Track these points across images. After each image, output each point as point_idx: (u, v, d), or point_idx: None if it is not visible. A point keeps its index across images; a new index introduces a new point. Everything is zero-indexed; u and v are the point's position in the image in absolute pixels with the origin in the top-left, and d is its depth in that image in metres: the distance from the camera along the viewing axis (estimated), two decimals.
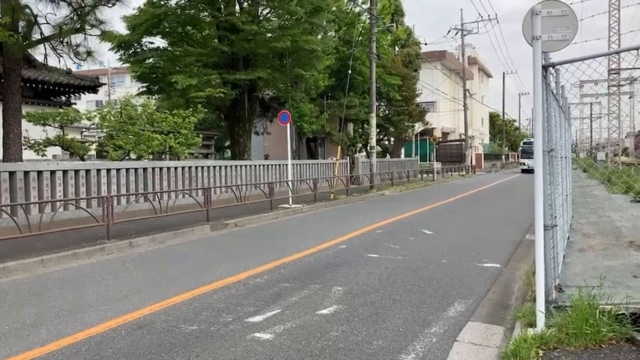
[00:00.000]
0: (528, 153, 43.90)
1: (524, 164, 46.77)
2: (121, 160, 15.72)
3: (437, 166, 38.66)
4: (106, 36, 13.19)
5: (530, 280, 6.27)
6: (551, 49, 4.98)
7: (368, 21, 27.40)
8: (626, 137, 42.94)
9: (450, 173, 41.30)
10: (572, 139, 31.09)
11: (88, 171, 13.21)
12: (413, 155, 43.80)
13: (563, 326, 4.43)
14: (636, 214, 11.94)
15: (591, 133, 50.92)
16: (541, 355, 4.10)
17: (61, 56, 13.05)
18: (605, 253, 7.66)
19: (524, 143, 48.83)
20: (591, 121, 47.05)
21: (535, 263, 4.82)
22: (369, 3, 26.87)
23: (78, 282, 7.32)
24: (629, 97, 36.11)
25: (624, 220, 10.87)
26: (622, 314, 4.52)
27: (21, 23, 12.08)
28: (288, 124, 18.21)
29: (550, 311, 4.74)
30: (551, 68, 5.22)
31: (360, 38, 27.91)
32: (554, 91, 6.20)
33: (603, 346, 4.24)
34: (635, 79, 30.31)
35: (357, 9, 29.60)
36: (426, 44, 38.85)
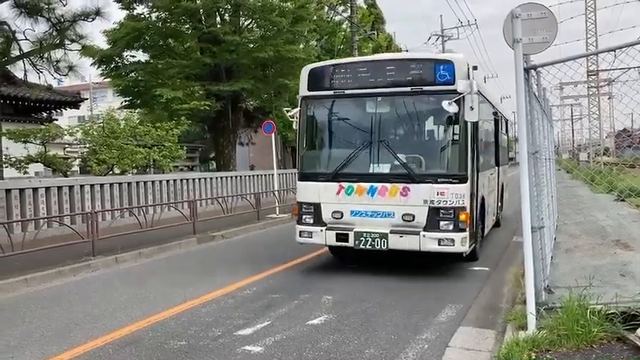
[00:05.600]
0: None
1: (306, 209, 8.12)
2: (105, 174, 15.54)
3: None
4: (86, 51, 13.07)
5: (519, 283, 6.26)
6: (532, 52, 5.01)
7: (349, 29, 27.50)
8: (607, 137, 43.49)
9: None
10: (555, 141, 28.81)
11: (71, 187, 13.03)
12: None
13: (554, 328, 4.43)
14: (621, 212, 12.05)
15: (573, 134, 51.44)
16: (533, 357, 4.08)
17: (41, 72, 12.88)
18: (592, 253, 7.70)
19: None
20: (572, 123, 47.50)
21: (524, 265, 4.83)
22: (349, 12, 27.00)
23: (63, 300, 7.18)
24: (609, 98, 36.61)
25: (609, 219, 10.96)
26: (612, 313, 4.52)
27: None
28: (273, 134, 18.15)
29: (541, 313, 4.74)
30: (532, 70, 5.26)
31: (342, 46, 27.99)
32: (536, 94, 6.24)
33: (595, 346, 4.24)
34: (614, 80, 30.73)
35: (338, 18, 29.72)
36: (407, 51, 39.11)
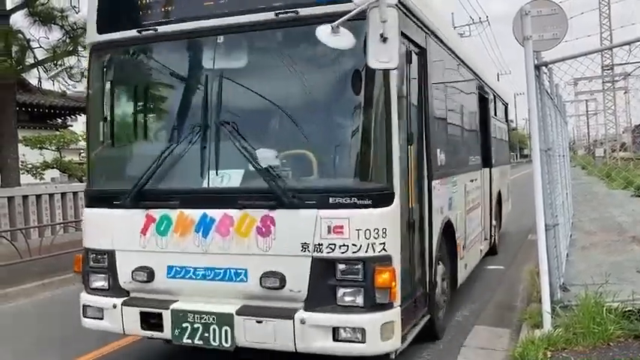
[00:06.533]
0: None
1: None
2: None
3: None
4: None
5: (534, 281, 6.20)
6: (542, 49, 4.98)
7: None
8: (623, 132, 42.96)
9: None
10: (570, 137, 28.22)
11: None
12: None
13: (570, 326, 4.39)
14: (637, 209, 11.89)
15: (588, 129, 50.81)
16: (549, 356, 4.05)
17: (56, 79, 13.06)
18: (609, 250, 7.61)
19: None
20: (587, 118, 46.89)
21: (538, 263, 4.80)
22: None
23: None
24: (624, 93, 36.15)
25: (625, 215, 10.84)
26: (629, 311, 4.49)
27: (14, 48, 12.10)
28: None
29: (556, 311, 4.70)
30: (543, 67, 5.23)
31: None
32: (549, 90, 6.20)
33: (612, 344, 4.19)
34: (629, 74, 30.35)
35: None
36: None
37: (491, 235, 8.43)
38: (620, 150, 36.35)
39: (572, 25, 5.63)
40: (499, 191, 9.31)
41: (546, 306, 4.59)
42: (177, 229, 4.03)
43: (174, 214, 4.04)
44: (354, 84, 3.84)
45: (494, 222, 8.72)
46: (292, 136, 4.02)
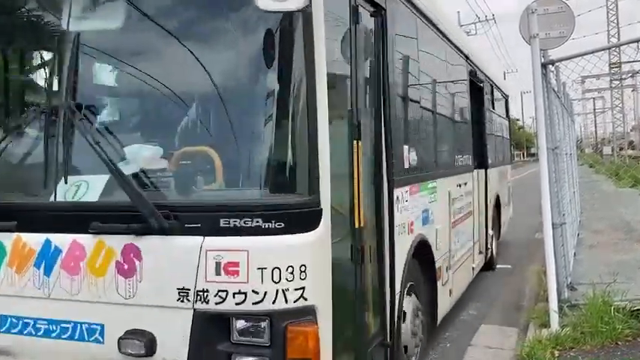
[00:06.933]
0: None
1: None
2: None
3: None
4: None
5: (541, 280, 6.20)
6: (549, 47, 4.98)
7: None
8: (631, 131, 42.75)
9: None
10: (577, 135, 27.97)
11: None
12: None
13: (578, 325, 4.37)
14: None
15: (595, 127, 50.58)
16: (557, 355, 4.04)
17: None
18: (616, 248, 7.58)
19: None
20: (595, 116, 46.69)
21: (545, 262, 4.78)
22: None
23: None
24: (632, 90, 35.95)
25: (633, 213, 10.78)
26: (637, 310, 4.47)
27: None
28: None
29: (564, 310, 4.68)
30: (550, 66, 5.21)
31: None
32: (555, 89, 6.18)
33: (619, 343, 4.17)
34: (637, 72, 30.15)
35: None
36: None
37: (487, 248, 7.18)
38: (627, 148, 36.16)
39: (579, 22, 5.60)
40: (497, 195, 8.04)
41: (553, 305, 4.58)
42: (12, 262, 2.73)
43: (9, 240, 2.74)
44: (265, 49, 2.54)
45: (490, 232, 7.42)
46: (173, 127, 2.78)
